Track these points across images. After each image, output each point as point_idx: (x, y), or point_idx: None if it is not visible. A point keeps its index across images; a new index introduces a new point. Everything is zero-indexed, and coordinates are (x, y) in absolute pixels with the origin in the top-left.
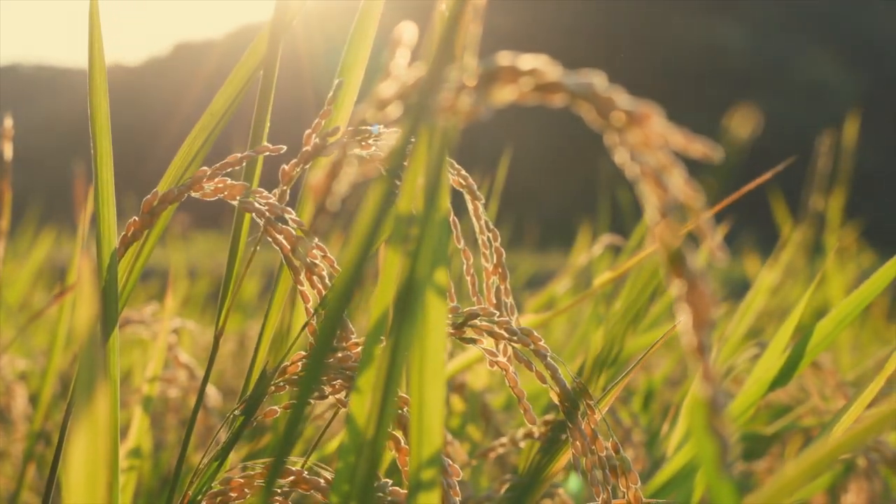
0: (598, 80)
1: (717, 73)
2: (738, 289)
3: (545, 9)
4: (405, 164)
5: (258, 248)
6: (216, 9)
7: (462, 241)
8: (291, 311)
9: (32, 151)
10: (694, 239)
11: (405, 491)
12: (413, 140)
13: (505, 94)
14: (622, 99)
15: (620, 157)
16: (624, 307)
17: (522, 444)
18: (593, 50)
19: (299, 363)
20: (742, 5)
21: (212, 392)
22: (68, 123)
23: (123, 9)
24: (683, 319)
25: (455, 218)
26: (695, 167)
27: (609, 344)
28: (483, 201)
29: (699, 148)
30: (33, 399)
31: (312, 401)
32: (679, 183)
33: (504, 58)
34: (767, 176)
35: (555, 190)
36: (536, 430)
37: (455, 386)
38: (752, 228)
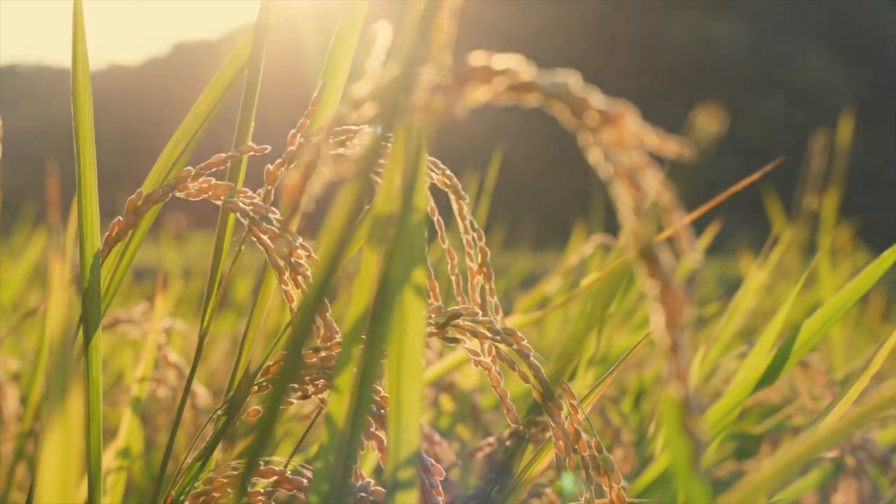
0: (572, 79)
1: (717, 73)
2: (733, 288)
3: (544, 9)
4: (381, 163)
5: (252, 247)
6: (215, 8)
7: (447, 241)
8: (282, 311)
9: (31, 151)
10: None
11: None
12: (389, 139)
13: (479, 95)
14: (596, 99)
15: (594, 157)
16: (594, 306)
17: (509, 444)
18: (592, 50)
19: (282, 362)
20: (742, 5)
21: (201, 391)
22: (68, 123)
23: (123, 9)
24: (657, 319)
25: (440, 218)
26: (669, 165)
27: (575, 342)
28: (467, 200)
29: (673, 147)
30: (26, 399)
31: (295, 400)
32: (653, 183)
33: (477, 57)
34: (756, 176)
35: (552, 190)
36: (522, 430)
37: (444, 386)
38: (748, 228)
